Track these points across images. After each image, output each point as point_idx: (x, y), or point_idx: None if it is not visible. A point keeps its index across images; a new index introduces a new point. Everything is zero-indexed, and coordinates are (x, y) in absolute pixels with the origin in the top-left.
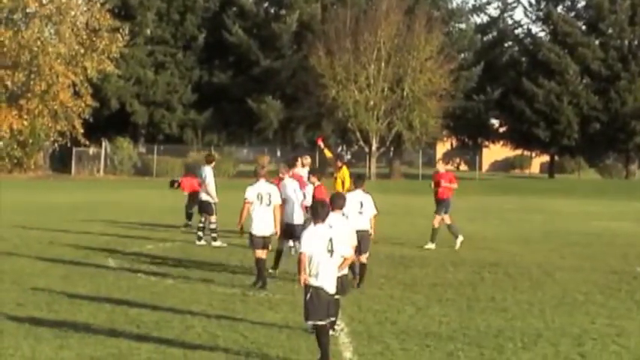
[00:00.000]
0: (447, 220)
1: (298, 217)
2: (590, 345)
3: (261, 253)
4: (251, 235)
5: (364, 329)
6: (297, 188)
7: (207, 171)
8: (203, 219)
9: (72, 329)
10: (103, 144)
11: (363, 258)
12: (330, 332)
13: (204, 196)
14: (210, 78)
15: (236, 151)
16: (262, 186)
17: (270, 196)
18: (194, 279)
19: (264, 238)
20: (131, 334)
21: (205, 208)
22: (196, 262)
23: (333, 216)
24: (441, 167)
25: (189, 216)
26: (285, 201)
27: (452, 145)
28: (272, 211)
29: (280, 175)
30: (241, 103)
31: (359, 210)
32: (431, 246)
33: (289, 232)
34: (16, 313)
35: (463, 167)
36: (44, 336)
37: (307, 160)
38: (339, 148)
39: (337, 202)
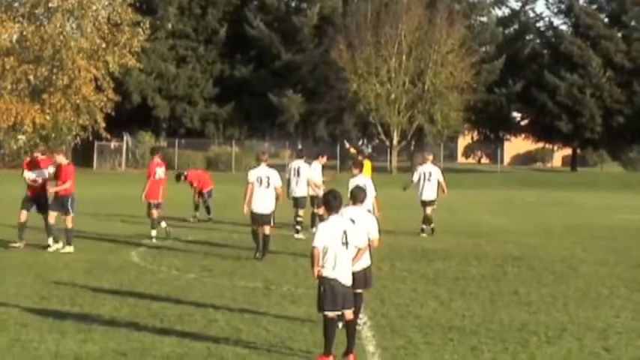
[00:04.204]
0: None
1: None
2: (614, 339)
3: (258, 228)
4: (251, 212)
5: (387, 323)
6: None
7: (302, 165)
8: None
9: (95, 323)
10: (125, 138)
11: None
12: (357, 326)
13: (299, 191)
14: (232, 72)
15: (257, 144)
16: (262, 170)
17: (269, 178)
18: (216, 273)
19: (262, 215)
20: (154, 327)
21: (301, 202)
22: (219, 256)
23: (354, 209)
24: (61, 158)
25: (208, 210)
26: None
27: (473, 138)
28: (271, 191)
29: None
30: (262, 97)
31: None
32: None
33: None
34: (40, 307)
35: (485, 160)
36: (68, 330)
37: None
38: (360, 142)
39: (358, 195)
